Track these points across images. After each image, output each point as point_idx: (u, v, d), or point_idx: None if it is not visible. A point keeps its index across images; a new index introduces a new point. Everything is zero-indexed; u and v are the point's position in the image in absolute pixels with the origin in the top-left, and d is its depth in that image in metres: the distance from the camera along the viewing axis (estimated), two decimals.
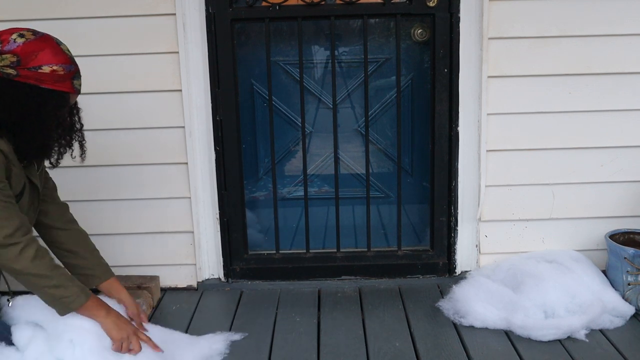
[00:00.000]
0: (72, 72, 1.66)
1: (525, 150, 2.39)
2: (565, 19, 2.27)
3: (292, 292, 2.44)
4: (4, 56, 1.57)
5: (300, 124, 2.48)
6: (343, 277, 2.53)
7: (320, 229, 2.61)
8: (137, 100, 2.33)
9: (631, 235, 2.37)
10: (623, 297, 2.21)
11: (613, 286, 2.25)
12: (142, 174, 2.40)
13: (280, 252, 2.57)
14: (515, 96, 2.34)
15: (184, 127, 2.36)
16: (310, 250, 2.56)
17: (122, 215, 2.42)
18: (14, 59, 1.56)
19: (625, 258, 2.20)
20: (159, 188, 2.41)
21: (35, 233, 1.79)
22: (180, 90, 2.32)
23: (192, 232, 2.46)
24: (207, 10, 2.30)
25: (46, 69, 1.59)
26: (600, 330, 2.06)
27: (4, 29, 1.63)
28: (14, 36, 1.58)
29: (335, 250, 2.56)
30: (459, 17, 2.30)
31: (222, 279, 2.53)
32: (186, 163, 2.39)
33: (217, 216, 2.47)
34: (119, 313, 1.81)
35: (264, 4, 2.34)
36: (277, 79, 2.47)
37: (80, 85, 1.72)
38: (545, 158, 2.39)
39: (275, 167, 2.50)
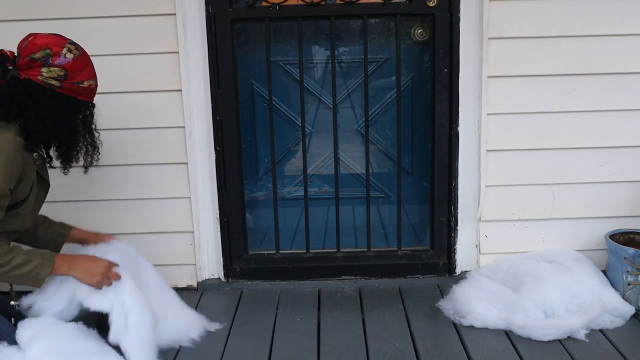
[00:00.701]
0: (97, 86, 1.85)
1: (525, 150, 2.39)
2: (565, 19, 2.27)
3: (292, 292, 2.44)
4: (52, 69, 1.71)
5: (300, 124, 2.48)
6: (343, 277, 2.53)
7: (320, 229, 2.61)
8: (137, 100, 2.34)
9: (631, 235, 2.37)
10: (623, 297, 2.21)
11: (613, 286, 2.25)
12: (142, 174, 2.40)
13: (280, 252, 2.57)
14: (515, 96, 2.34)
15: (184, 127, 2.36)
16: (310, 250, 2.56)
17: (122, 215, 2.42)
18: (62, 73, 1.72)
19: (625, 258, 2.20)
20: (159, 188, 2.41)
21: None
22: (180, 90, 2.33)
23: (192, 232, 2.46)
24: (207, 10, 2.30)
25: (86, 83, 1.78)
26: (600, 330, 2.06)
27: (43, 33, 1.76)
28: (64, 50, 1.72)
29: (335, 250, 2.56)
30: (459, 17, 2.30)
31: (222, 279, 2.53)
32: (186, 163, 2.39)
33: (217, 216, 2.47)
34: (83, 256, 1.84)
35: (264, 4, 2.34)
36: (277, 79, 2.47)
37: None
38: (545, 158, 2.39)
39: (275, 167, 2.50)
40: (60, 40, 1.74)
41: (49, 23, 2.25)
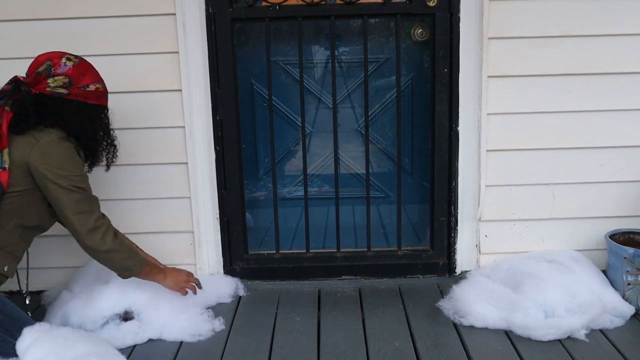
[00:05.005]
0: (106, 89, 1.98)
1: (525, 150, 2.39)
2: (566, 18, 2.27)
3: (292, 292, 2.44)
4: (56, 78, 1.84)
5: (300, 124, 2.48)
6: (343, 277, 2.53)
7: (320, 229, 2.61)
8: (137, 100, 2.34)
9: (631, 235, 2.37)
10: (623, 297, 2.21)
11: (613, 286, 2.25)
12: (142, 174, 2.40)
13: (280, 252, 2.57)
14: (515, 96, 2.34)
15: (184, 127, 2.36)
16: (310, 250, 2.57)
17: (122, 215, 2.42)
18: (66, 80, 1.84)
19: (625, 258, 2.20)
20: (159, 188, 2.42)
21: None
22: (180, 90, 2.33)
23: (192, 232, 2.46)
24: (207, 10, 2.30)
25: (92, 87, 1.90)
26: (600, 330, 2.06)
27: (44, 52, 1.89)
28: (63, 60, 1.86)
29: (335, 250, 2.56)
30: (459, 17, 2.30)
31: None
32: (186, 163, 2.39)
33: (217, 216, 2.47)
34: (173, 269, 2.17)
35: (264, 3, 2.34)
36: (277, 79, 2.47)
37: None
38: (545, 158, 2.39)
39: (275, 167, 2.50)
40: (59, 53, 1.88)
41: (49, 23, 2.26)
